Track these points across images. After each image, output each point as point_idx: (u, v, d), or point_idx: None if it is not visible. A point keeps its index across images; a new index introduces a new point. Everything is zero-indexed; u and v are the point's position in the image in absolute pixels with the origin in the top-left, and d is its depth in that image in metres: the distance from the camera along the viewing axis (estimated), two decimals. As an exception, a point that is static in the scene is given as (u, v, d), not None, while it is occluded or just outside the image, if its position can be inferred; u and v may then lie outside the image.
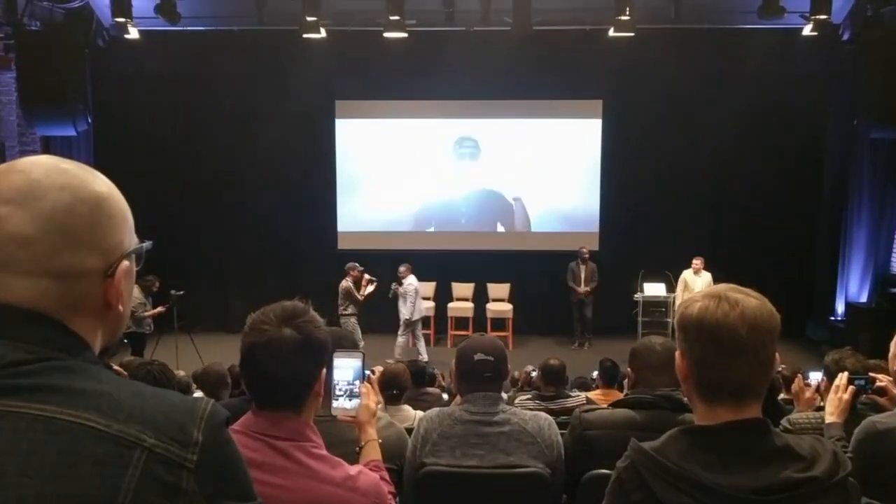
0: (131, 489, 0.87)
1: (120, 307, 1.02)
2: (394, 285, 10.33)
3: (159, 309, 9.41)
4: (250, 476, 1.04)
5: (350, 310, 9.88)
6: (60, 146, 10.18)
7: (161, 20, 9.56)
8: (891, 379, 2.78)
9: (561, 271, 11.33)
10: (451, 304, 11.49)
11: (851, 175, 11.13)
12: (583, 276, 11.04)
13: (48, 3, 9.45)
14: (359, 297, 9.84)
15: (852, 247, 11.07)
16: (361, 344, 9.83)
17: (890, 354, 2.62)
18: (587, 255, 11.10)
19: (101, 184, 1.01)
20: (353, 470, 1.79)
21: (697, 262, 10.49)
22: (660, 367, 2.67)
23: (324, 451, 1.75)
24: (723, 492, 1.32)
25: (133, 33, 9.79)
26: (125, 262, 1.02)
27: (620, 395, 4.13)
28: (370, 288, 9.96)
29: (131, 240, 1.04)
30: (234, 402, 3.80)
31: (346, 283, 9.89)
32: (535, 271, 11.73)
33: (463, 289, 11.67)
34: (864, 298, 10.93)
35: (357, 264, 10.05)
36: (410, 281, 10.30)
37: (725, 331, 1.38)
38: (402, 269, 10.32)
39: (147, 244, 1.08)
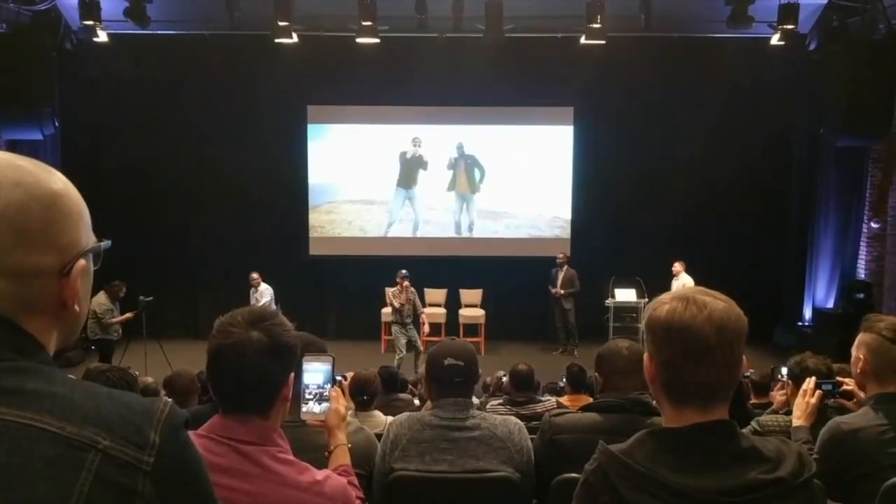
0: (84, 493, 0.84)
1: (76, 307, 0.99)
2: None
3: (128, 315, 9.29)
4: (210, 480, 1.01)
5: (393, 317, 9.97)
6: (27, 150, 9.97)
7: (131, 24, 9.44)
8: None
9: (532, 277, 11.38)
10: (423, 310, 11.43)
11: (818, 182, 11.28)
12: (559, 280, 11.07)
13: (14, 4, 9.29)
14: (395, 304, 9.86)
15: (819, 253, 11.21)
16: (401, 354, 9.78)
17: (852, 359, 2.66)
18: (563, 260, 11.11)
19: (56, 181, 0.98)
20: (319, 475, 1.76)
21: (677, 265, 10.52)
22: (627, 370, 2.67)
23: (290, 456, 1.73)
24: (689, 493, 1.32)
25: (102, 36, 9.64)
26: (81, 261, 0.99)
27: (590, 400, 4.13)
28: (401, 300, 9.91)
29: (88, 238, 1.01)
30: (203, 409, 3.75)
31: (391, 289, 10.00)
32: (507, 277, 11.76)
33: (435, 294, 11.65)
34: (830, 304, 11.05)
35: (403, 270, 10.02)
36: (265, 288, 10.33)
37: (693, 333, 1.38)
38: (254, 275, 10.28)
39: (105, 243, 1.05)
